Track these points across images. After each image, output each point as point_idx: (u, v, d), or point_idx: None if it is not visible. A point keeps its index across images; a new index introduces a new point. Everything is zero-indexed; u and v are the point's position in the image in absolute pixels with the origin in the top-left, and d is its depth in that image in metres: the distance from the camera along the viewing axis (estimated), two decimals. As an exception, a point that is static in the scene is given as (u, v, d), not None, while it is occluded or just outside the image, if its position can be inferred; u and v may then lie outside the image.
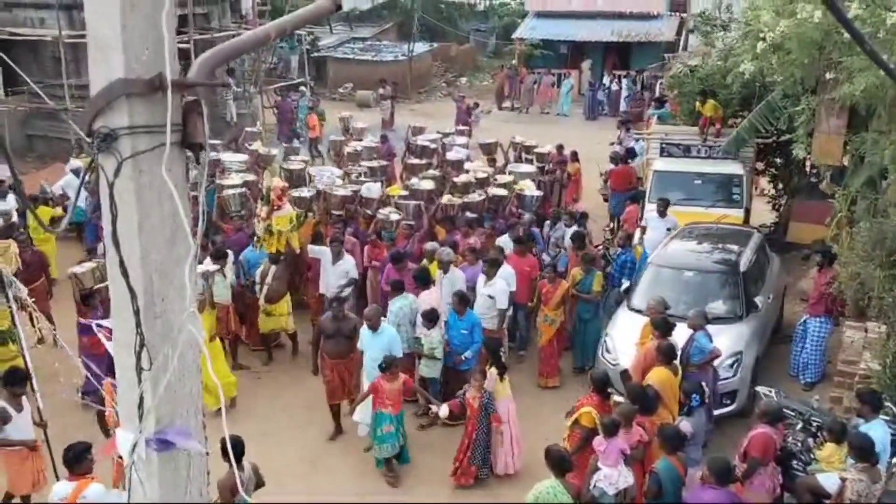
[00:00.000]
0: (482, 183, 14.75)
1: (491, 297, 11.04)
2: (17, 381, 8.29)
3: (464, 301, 10.47)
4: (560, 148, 18.14)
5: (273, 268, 11.73)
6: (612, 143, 20.82)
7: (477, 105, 26.58)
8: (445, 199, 13.80)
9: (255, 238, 12.36)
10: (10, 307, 10.08)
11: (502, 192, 14.33)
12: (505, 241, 12.64)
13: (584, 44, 33.58)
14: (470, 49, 39.35)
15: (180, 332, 2.07)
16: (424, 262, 11.93)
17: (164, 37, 1.96)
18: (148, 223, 2.07)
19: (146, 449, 2.07)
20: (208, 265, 11.14)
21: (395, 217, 13.12)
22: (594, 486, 7.69)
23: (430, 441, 10.32)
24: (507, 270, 11.42)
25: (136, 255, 2.07)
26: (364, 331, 9.86)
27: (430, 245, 12.28)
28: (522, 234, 12.69)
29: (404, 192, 14.22)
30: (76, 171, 16.27)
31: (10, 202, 14.72)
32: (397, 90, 28.56)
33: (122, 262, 2.00)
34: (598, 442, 7.81)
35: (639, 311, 10.93)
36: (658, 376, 8.95)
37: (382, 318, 10.03)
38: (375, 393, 9.34)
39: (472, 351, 10.39)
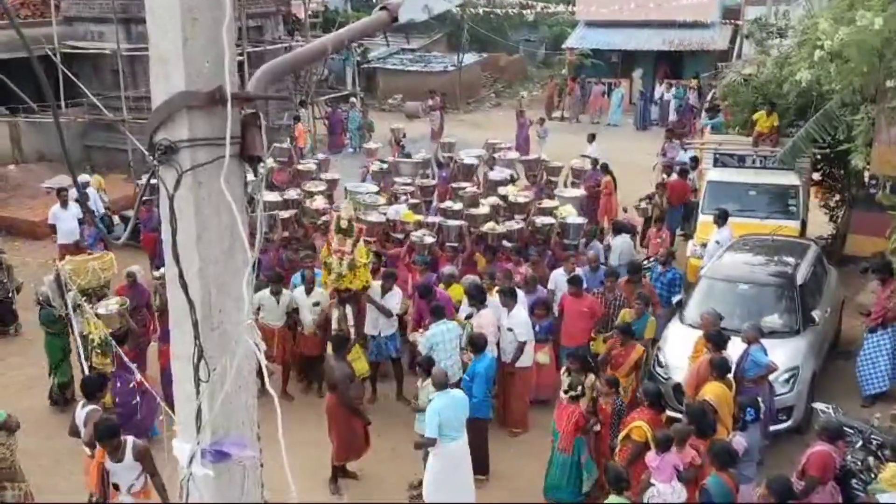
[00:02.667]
0: (521, 208, 13.79)
1: (510, 329, 10.36)
2: (100, 387, 8.61)
3: (475, 343, 9.57)
4: (604, 167, 17.48)
5: (348, 309, 10.79)
6: (583, 155, 19.23)
7: (543, 120, 24.86)
8: (488, 226, 12.85)
9: (339, 277, 10.91)
10: (66, 314, 10.34)
11: (548, 220, 13.34)
12: (556, 278, 11.90)
13: (634, 53, 33.30)
14: (519, 59, 39.29)
15: (237, 344, 2.07)
16: (441, 286, 11.28)
17: (224, 50, 1.97)
18: (206, 235, 2.08)
19: (202, 460, 2.08)
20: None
21: (429, 240, 12.42)
22: (647, 502, 7.56)
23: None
24: (518, 318, 10.52)
25: (194, 268, 2.08)
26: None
27: (447, 269, 11.76)
28: (576, 274, 11.49)
29: (419, 217, 13.37)
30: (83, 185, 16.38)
31: (73, 211, 15.05)
32: (446, 101, 28.59)
33: (181, 275, 2.01)
34: (651, 458, 7.67)
35: (692, 325, 10.76)
36: (713, 391, 8.78)
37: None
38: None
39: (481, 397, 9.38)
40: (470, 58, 34.74)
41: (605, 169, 17.46)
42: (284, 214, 13.56)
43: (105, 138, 22.23)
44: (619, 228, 14.32)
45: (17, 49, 20.07)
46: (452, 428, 8.50)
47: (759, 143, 15.32)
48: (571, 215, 13.51)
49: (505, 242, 12.68)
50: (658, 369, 10.69)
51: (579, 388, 8.88)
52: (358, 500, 9.35)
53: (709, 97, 22.56)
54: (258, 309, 11.04)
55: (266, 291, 11.17)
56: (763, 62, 16.42)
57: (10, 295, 13.39)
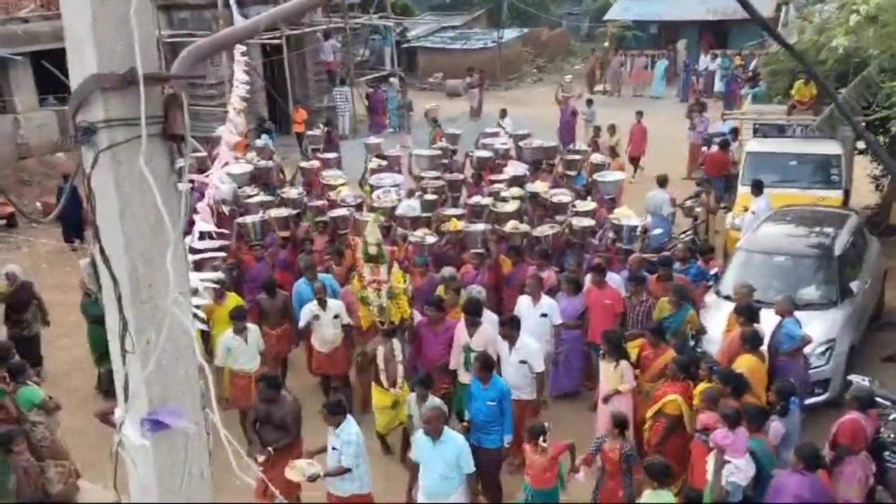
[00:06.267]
0: (561, 209, 12.70)
1: (523, 361, 9.04)
2: None
3: (487, 366, 8.40)
4: (611, 149, 17.03)
5: (396, 343, 9.33)
6: (495, 131, 18.28)
7: (591, 102, 23.34)
8: (510, 225, 11.93)
9: (381, 309, 9.51)
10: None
11: (587, 221, 12.20)
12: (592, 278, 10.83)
13: (678, 23, 32.72)
14: (561, 33, 38.87)
15: (165, 317, 2.15)
16: (440, 287, 10.47)
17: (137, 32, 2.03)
18: (129, 212, 2.15)
19: (140, 429, 2.17)
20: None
21: (430, 240, 11.60)
22: (727, 481, 7.29)
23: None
24: (547, 302, 10.04)
25: (119, 244, 2.16)
26: (421, 437, 7.66)
27: (447, 270, 10.72)
28: (598, 263, 10.70)
29: (461, 225, 12.25)
30: None
31: None
32: (484, 78, 28.44)
33: (102, 250, 2.10)
34: (723, 435, 7.32)
35: (727, 298, 10.63)
36: (746, 364, 8.69)
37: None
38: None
39: (508, 431, 8.45)
40: (511, 33, 34.51)
41: (613, 152, 17.11)
42: (283, 213, 12.80)
43: (151, 124, 22.60)
44: (660, 181, 14.34)
45: (63, 39, 20.54)
46: None
47: (796, 112, 14.96)
48: (626, 216, 12.29)
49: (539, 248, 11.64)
50: (691, 343, 10.58)
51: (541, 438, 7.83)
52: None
53: (751, 67, 22.11)
54: (227, 352, 9.66)
55: (229, 332, 9.71)
56: (803, 29, 16.01)
57: (37, 333, 12.04)
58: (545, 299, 10.07)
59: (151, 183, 2.05)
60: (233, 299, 10.50)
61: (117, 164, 2.10)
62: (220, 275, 10.50)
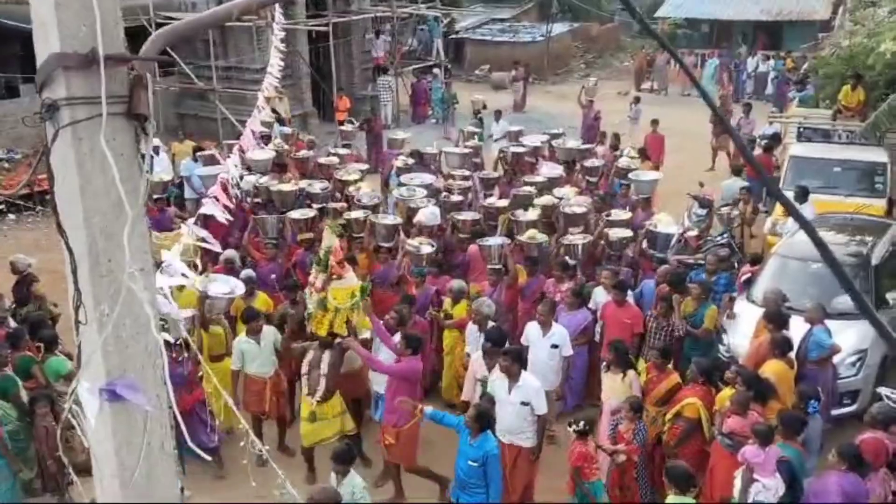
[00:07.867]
0: (579, 220, 11.89)
1: (525, 403, 7.87)
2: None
3: (481, 420, 7.33)
4: (642, 151, 16.21)
5: (326, 354, 8.56)
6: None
7: (638, 100, 22.52)
8: (528, 234, 11.31)
9: (308, 315, 8.75)
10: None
11: (625, 232, 11.54)
12: (600, 292, 10.38)
13: (731, 23, 32.19)
14: (612, 29, 38.51)
15: (120, 291, 2.21)
16: (447, 301, 10.06)
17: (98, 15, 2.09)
18: (90, 188, 2.22)
19: (97, 398, 2.24)
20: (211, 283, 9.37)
21: (427, 249, 11.00)
22: (754, 500, 7.21)
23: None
24: (559, 332, 9.27)
25: (78, 217, 2.24)
26: None
27: (456, 283, 10.20)
28: (620, 280, 10.24)
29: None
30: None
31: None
32: (529, 72, 28.25)
33: (59, 224, 2.18)
34: (753, 452, 7.21)
35: (757, 304, 10.49)
36: (773, 369, 8.59)
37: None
38: (584, 461, 7.69)
39: (495, 499, 7.43)
40: (560, 27, 34.28)
41: (643, 155, 16.42)
42: (307, 213, 12.10)
43: (198, 106, 22.97)
44: (736, 170, 14.65)
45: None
46: None
47: (841, 117, 14.68)
48: (665, 223, 11.74)
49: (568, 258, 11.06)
50: (720, 347, 10.49)
51: (581, 423, 7.72)
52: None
53: (802, 69, 21.72)
54: (241, 356, 9.27)
55: (241, 336, 9.37)
56: (855, 32, 15.68)
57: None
58: (557, 328, 9.30)
59: (110, 160, 2.11)
60: (261, 298, 10.27)
61: (78, 141, 2.17)
62: (248, 272, 10.55)
